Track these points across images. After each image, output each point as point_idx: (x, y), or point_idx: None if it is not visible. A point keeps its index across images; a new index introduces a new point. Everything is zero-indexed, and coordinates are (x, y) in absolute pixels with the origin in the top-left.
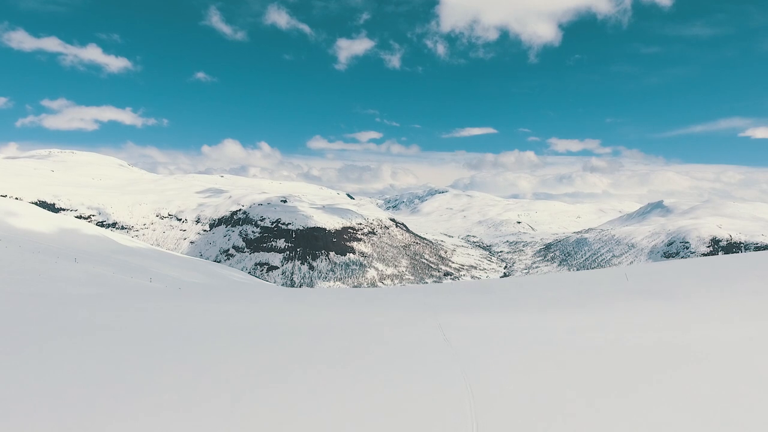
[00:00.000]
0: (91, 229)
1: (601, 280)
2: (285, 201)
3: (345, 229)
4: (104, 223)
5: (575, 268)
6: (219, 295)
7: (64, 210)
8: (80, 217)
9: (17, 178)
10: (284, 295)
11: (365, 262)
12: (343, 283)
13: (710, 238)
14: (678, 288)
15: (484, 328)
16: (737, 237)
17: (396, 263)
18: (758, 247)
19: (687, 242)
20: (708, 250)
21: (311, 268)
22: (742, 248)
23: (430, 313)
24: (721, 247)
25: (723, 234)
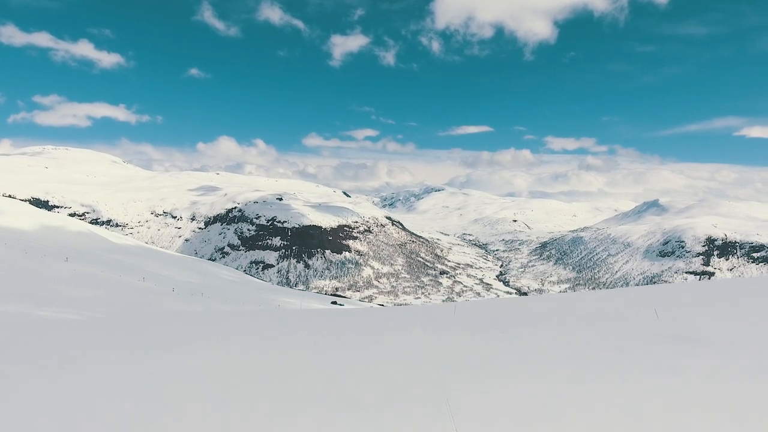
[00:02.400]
0: (77, 225)
1: (626, 315)
2: (281, 199)
3: (341, 227)
4: (98, 220)
5: (571, 267)
6: (199, 323)
7: (57, 207)
8: (74, 215)
9: (10, 175)
10: (249, 320)
11: (361, 260)
12: (339, 281)
13: (706, 237)
14: (723, 333)
15: (519, 423)
16: (732, 236)
17: (392, 261)
18: (753, 247)
19: (682, 241)
20: (703, 249)
21: (307, 266)
22: (738, 247)
23: (430, 372)
24: (717, 246)
25: (718, 233)
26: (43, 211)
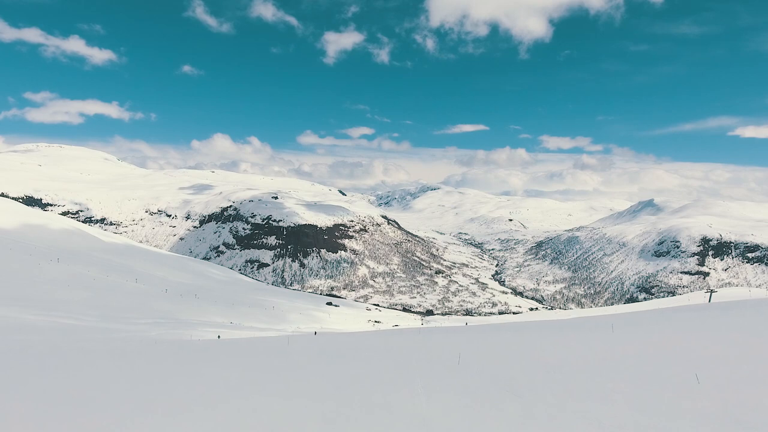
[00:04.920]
0: (61, 223)
1: (661, 374)
2: (276, 197)
3: (336, 227)
4: (92, 218)
5: (566, 267)
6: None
7: (51, 206)
8: (66, 213)
9: (3, 173)
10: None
11: (356, 259)
12: (334, 280)
13: (701, 237)
14: None
15: None
16: (727, 236)
17: (387, 261)
18: (748, 247)
19: (678, 241)
20: (699, 249)
21: (302, 265)
22: (733, 248)
23: None
24: (712, 246)
25: (713, 233)
26: (26, 208)
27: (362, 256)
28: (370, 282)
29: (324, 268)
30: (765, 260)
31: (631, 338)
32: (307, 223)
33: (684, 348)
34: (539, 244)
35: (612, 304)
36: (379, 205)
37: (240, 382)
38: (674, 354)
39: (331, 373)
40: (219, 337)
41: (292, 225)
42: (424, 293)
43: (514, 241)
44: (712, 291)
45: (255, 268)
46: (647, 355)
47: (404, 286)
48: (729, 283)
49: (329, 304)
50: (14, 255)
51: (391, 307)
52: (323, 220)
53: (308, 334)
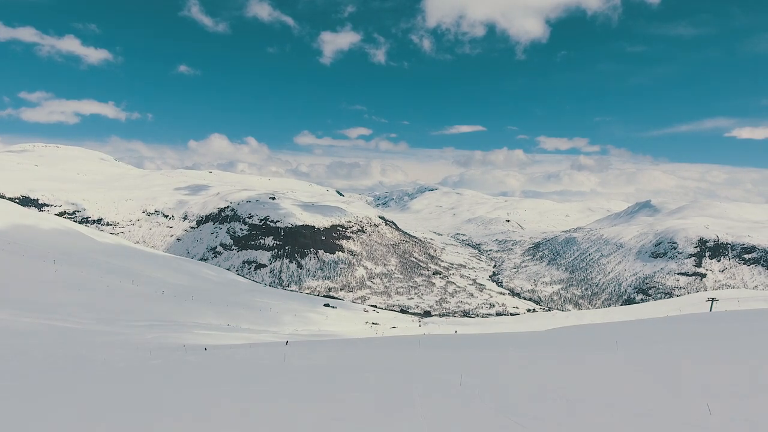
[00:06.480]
0: (52, 223)
1: (669, 402)
2: (273, 198)
3: (334, 227)
4: (89, 219)
5: (564, 268)
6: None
7: (47, 206)
8: (63, 214)
9: (0, 172)
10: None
11: (354, 260)
12: (332, 281)
13: (698, 238)
14: None
15: None
16: (724, 238)
17: (385, 262)
18: (745, 248)
19: (675, 242)
20: (695, 250)
21: (300, 266)
22: (729, 249)
23: None
24: (708, 247)
25: (710, 234)
26: (18, 208)
27: (360, 257)
28: (368, 283)
29: (321, 269)
30: (762, 261)
31: (637, 358)
32: (305, 223)
33: (692, 371)
34: (537, 245)
35: (609, 305)
36: (377, 205)
37: (229, 423)
38: (682, 379)
39: (327, 405)
40: (206, 349)
41: (290, 226)
42: (422, 294)
43: (512, 242)
44: (713, 300)
45: (252, 269)
46: (654, 380)
47: (402, 287)
48: (726, 284)
49: (326, 305)
50: (7, 256)
51: (389, 308)
52: (321, 221)
53: (303, 342)
